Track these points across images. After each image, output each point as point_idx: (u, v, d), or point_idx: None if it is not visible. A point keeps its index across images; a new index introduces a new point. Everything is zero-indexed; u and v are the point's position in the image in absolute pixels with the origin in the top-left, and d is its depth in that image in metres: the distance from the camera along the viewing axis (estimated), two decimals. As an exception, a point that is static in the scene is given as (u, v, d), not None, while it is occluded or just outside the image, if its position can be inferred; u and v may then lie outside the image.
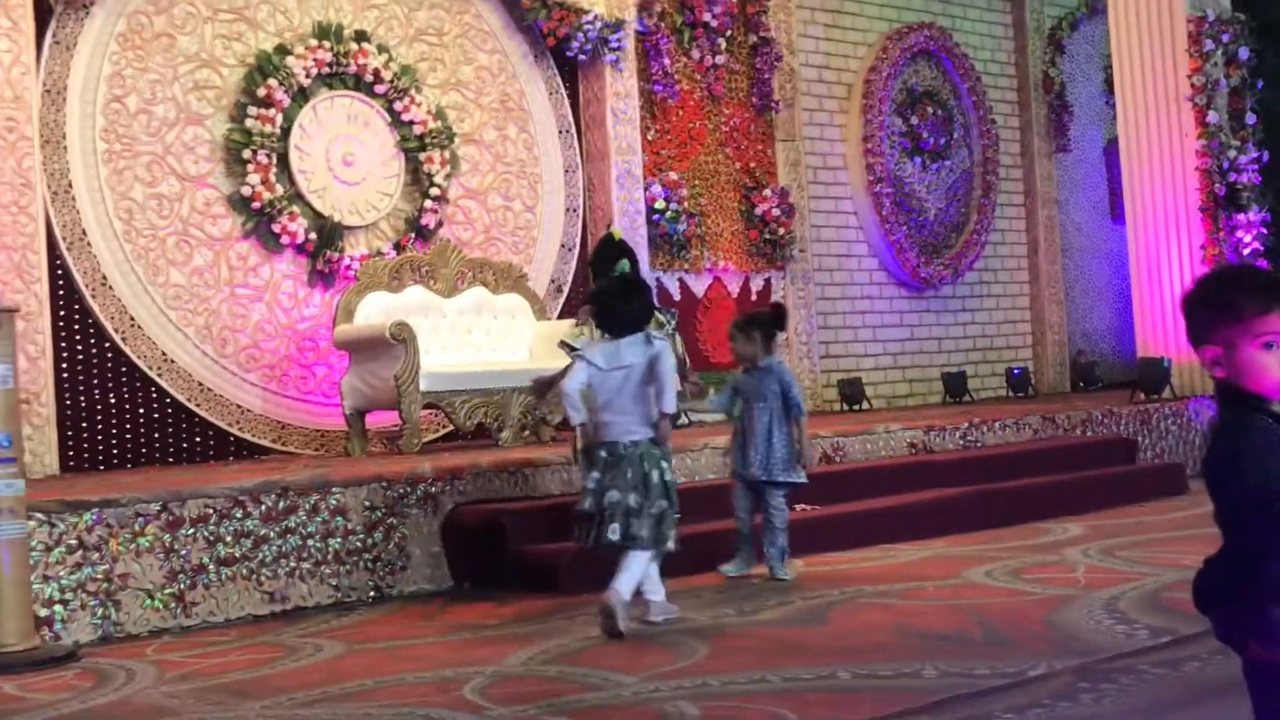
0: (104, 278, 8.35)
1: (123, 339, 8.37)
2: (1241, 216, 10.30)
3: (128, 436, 8.41)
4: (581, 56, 10.25)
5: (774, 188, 11.18)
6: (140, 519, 5.16)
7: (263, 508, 5.46)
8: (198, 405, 8.61)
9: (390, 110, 9.45)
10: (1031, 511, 7.00)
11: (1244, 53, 10.49)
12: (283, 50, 9.05)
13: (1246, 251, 10.31)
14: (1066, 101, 13.22)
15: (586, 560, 5.61)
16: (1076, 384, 13.06)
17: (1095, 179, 13.68)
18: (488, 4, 10.05)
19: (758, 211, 11.09)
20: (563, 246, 10.29)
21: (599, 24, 10.15)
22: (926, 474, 7.26)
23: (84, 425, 8.24)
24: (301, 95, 9.09)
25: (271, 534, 5.47)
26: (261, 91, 8.88)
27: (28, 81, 7.98)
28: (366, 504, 5.74)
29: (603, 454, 4.86)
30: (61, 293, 8.22)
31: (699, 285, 10.85)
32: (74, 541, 5.00)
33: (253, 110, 8.85)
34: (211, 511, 5.33)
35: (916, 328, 12.28)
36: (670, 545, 4.89)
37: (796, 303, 11.36)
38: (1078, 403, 10.02)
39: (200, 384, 8.63)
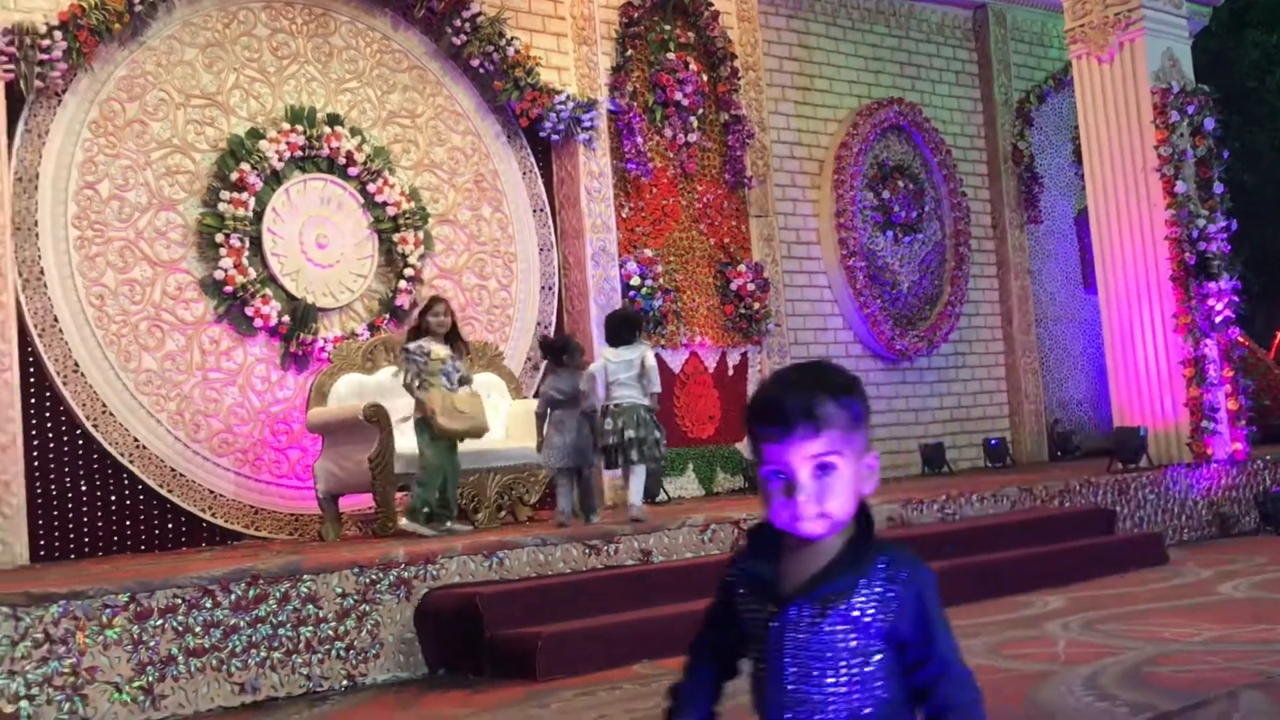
0: (75, 364, 8.30)
1: (94, 425, 8.31)
2: (1212, 285, 10.35)
3: (99, 524, 8.32)
4: (554, 136, 10.31)
5: (748, 263, 11.21)
6: (108, 610, 5.08)
7: (232, 596, 5.38)
8: (170, 491, 8.53)
9: (363, 192, 9.47)
10: (1011, 584, 6.95)
11: (1209, 123, 10.61)
12: (255, 134, 9.08)
13: (1219, 319, 10.36)
14: (1036, 173, 13.34)
15: (562, 643, 5.55)
16: (1054, 453, 13.06)
17: (1067, 249, 13.77)
18: (460, 86, 10.11)
19: (733, 287, 11.10)
20: (539, 325, 10.28)
21: (571, 104, 10.22)
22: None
23: (55, 513, 8.16)
24: (274, 179, 9.11)
25: (242, 623, 5.39)
26: (234, 175, 8.90)
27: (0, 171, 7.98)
28: (338, 590, 5.67)
29: (617, 411, 7.22)
30: (33, 380, 8.16)
31: (675, 361, 10.84)
32: (40, 635, 4.92)
33: (225, 194, 8.86)
34: (180, 601, 5.25)
35: (893, 399, 12.28)
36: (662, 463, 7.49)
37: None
38: (1055, 472, 10.01)
39: (172, 469, 8.56)
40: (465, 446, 8.23)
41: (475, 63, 9.97)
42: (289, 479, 8.95)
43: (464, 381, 7.66)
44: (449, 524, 7.61)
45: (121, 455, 8.38)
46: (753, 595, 2.00)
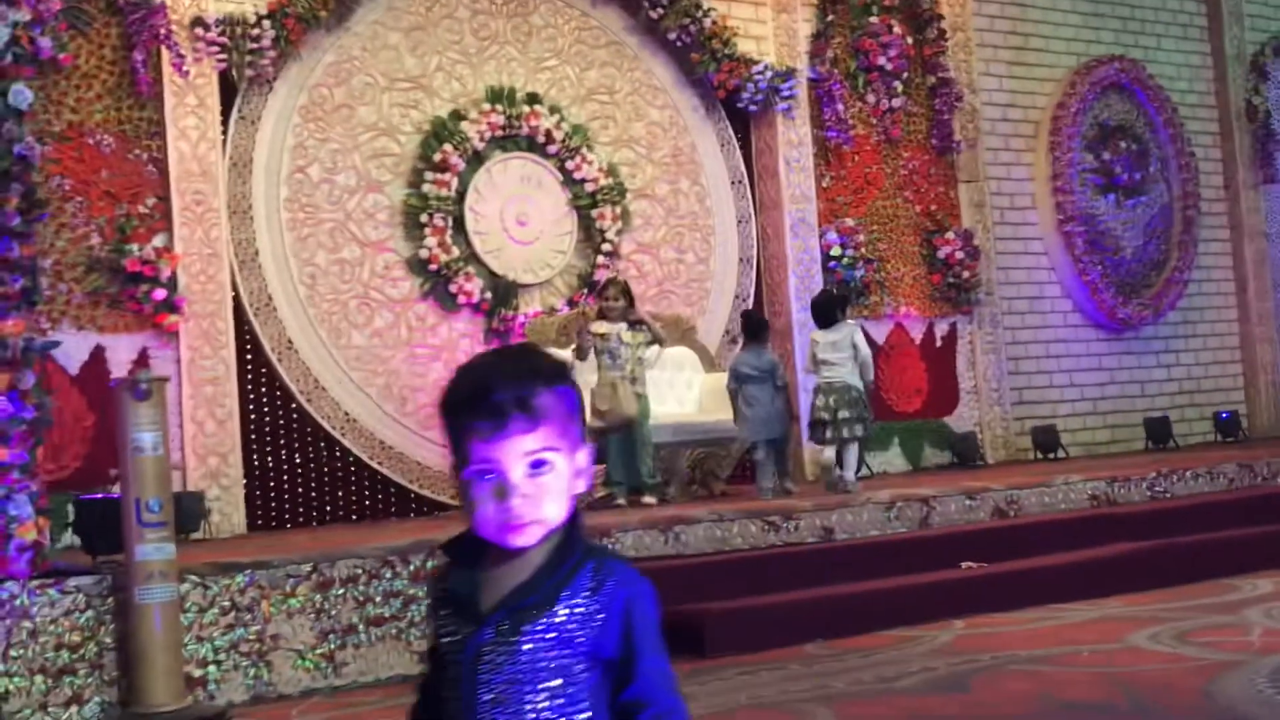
0: (289, 341, 8.63)
1: (308, 400, 8.63)
2: None
3: (313, 495, 8.65)
4: (752, 107, 10.20)
5: (957, 230, 10.90)
6: (291, 580, 5.28)
7: (411, 567, 5.52)
8: (380, 463, 8.80)
9: (562, 169, 9.56)
10: (1220, 567, 6.58)
11: None
12: (457, 116, 9.25)
13: None
14: (1272, 130, 12.54)
15: (732, 621, 5.51)
16: (1293, 427, 12.31)
17: (1309, 209, 12.93)
18: (657, 60, 10.09)
19: (940, 255, 10.81)
20: (736, 298, 10.21)
21: (769, 74, 10.09)
22: (1107, 528, 6.91)
23: (271, 485, 8.52)
24: (476, 159, 9.27)
25: (420, 593, 5.52)
26: (437, 157, 9.09)
27: (214, 156, 8.32)
28: (514, 564, 5.75)
29: (829, 389, 7.55)
30: (249, 357, 8.53)
31: (879, 332, 10.61)
32: (227, 603, 5.14)
33: (429, 175, 9.06)
34: (361, 571, 5.42)
35: (1116, 371, 11.77)
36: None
37: (985, 348, 11.02)
38: (1288, 448, 9.43)
39: (381, 442, 8.83)
40: (656, 420, 8.27)
41: (672, 35, 9.93)
42: (492, 452, 9.13)
43: (639, 359, 7.80)
44: (645, 496, 7.75)
45: (334, 429, 8.69)
46: (453, 616, 1.76)
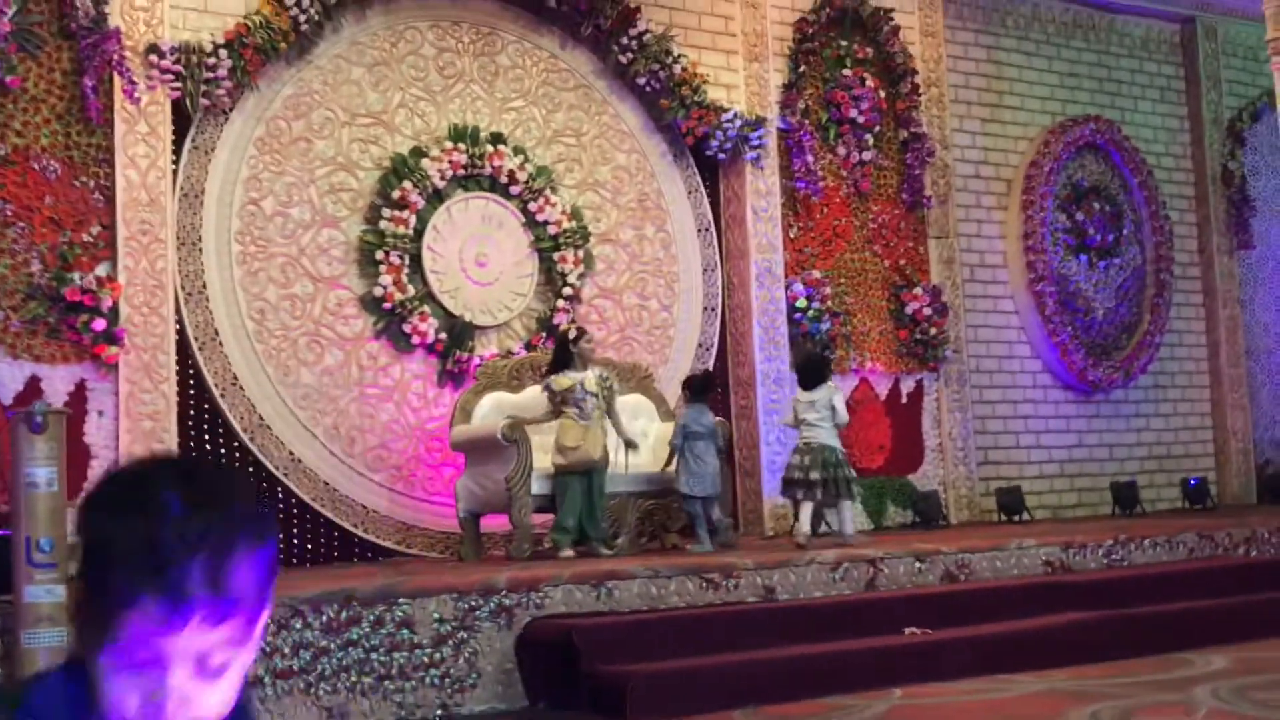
0: (235, 377, 8.37)
1: (251, 438, 8.36)
2: None
3: (253, 535, 8.34)
4: (721, 155, 10.00)
5: (925, 285, 10.68)
6: (194, 628, 4.99)
7: (324, 618, 5.24)
8: (323, 506, 8.52)
9: (525, 211, 9.34)
10: (1174, 641, 6.30)
11: None
12: (419, 153, 9.04)
13: None
14: (1248, 196, 12.36)
15: (658, 684, 5.23)
16: (1263, 496, 12.05)
17: (1282, 277, 12.75)
18: (626, 104, 9.90)
19: (908, 310, 10.58)
20: (700, 346, 9.98)
21: (739, 122, 9.90)
22: (1060, 596, 6.64)
23: (209, 524, 8.22)
24: (436, 197, 9.05)
25: (332, 646, 5.24)
26: (396, 194, 8.87)
27: (163, 185, 8.09)
28: (436, 616, 5.47)
29: (806, 449, 7.73)
30: (192, 393, 8.26)
31: (845, 386, 10.31)
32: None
33: (387, 212, 8.84)
34: (269, 622, 5.13)
35: (1084, 433, 11.52)
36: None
37: (951, 405, 10.78)
38: (1257, 519, 9.15)
39: (327, 484, 8.55)
40: (613, 471, 8.00)
41: (641, 81, 9.75)
42: (442, 496, 8.83)
43: (596, 404, 7.62)
44: (598, 548, 7.52)
45: (277, 469, 8.41)
46: None
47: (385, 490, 8.73)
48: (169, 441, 7.96)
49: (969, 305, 11.03)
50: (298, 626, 5.20)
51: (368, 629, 5.33)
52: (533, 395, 8.30)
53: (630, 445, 7.79)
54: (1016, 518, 10.45)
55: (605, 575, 5.91)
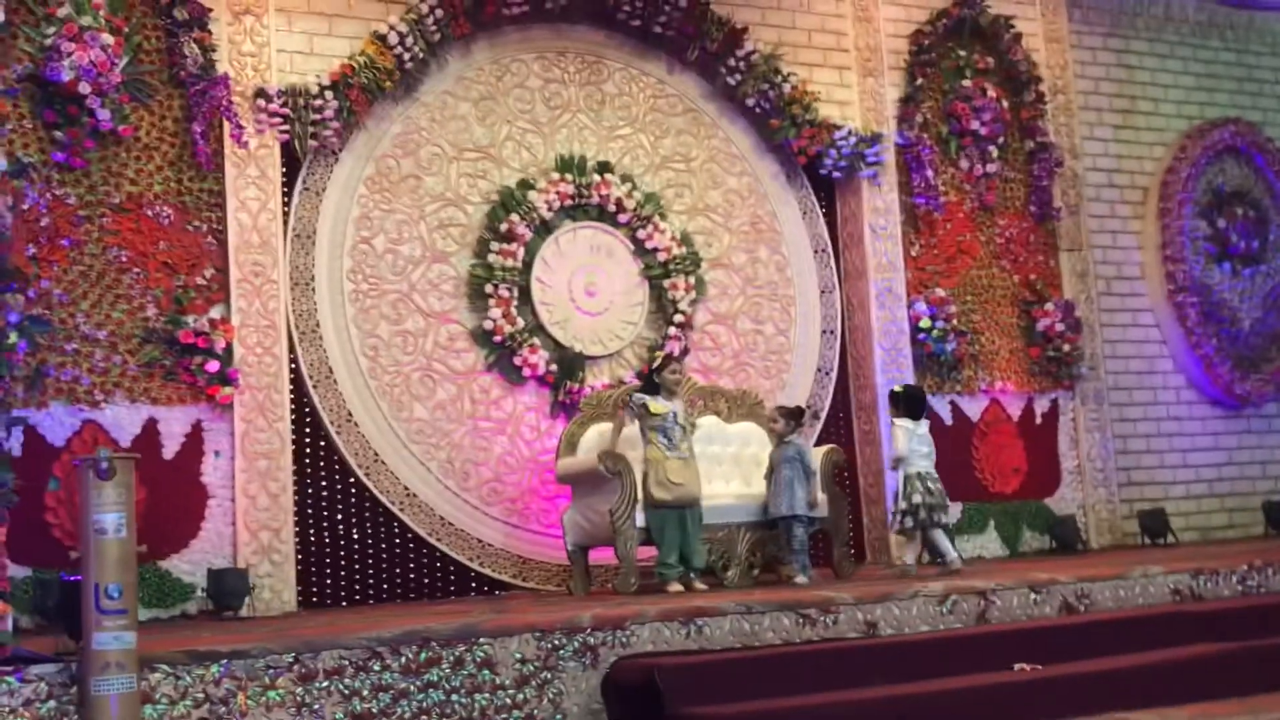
0: (349, 414, 8.37)
1: (366, 474, 8.35)
2: None
3: (369, 572, 8.34)
4: (836, 173, 9.73)
5: (1057, 301, 10.25)
6: (271, 671, 4.93)
7: (403, 660, 5.13)
8: (439, 540, 8.47)
9: (634, 239, 9.20)
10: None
11: None
12: (526, 185, 8.97)
13: None
14: (1402, 196, 11.61)
15: (741, 727, 5.00)
16: None
17: None
18: (736, 127, 9.70)
19: (1039, 327, 10.17)
20: (819, 370, 9.70)
21: (853, 139, 9.62)
22: (1187, 627, 6.19)
23: (326, 562, 8.23)
24: (544, 228, 8.97)
25: (412, 688, 5.13)
26: (504, 226, 8.81)
27: (274, 227, 8.15)
28: (518, 656, 5.32)
29: (921, 478, 7.74)
30: (307, 431, 8.29)
31: (974, 408, 9.98)
32: (200, 695, 4.81)
33: (495, 245, 8.78)
34: (347, 664, 5.04)
35: (1234, 450, 10.92)
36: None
37: (1089, 425, 10.31)
38: None
39: (442, 518, 8.49)
40: (714, 500, 7.79)
41: (751, 102, 9.54)
42: (557, 529, 8.69)
43: (684, 437, 7.40)
44: (695, 582, 7.35)
45: (392, 503, 8.39)
46: None
47: (500, 524, 8.64)
48: (284, 480, 7.99)
49: (1105, 320, 10.57)
50: (376, 668, 5.10)
51: (448, 670, 5.20)
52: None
53: None
54: (1160, 541, 9.92)
55: (695, 612, 5.69)
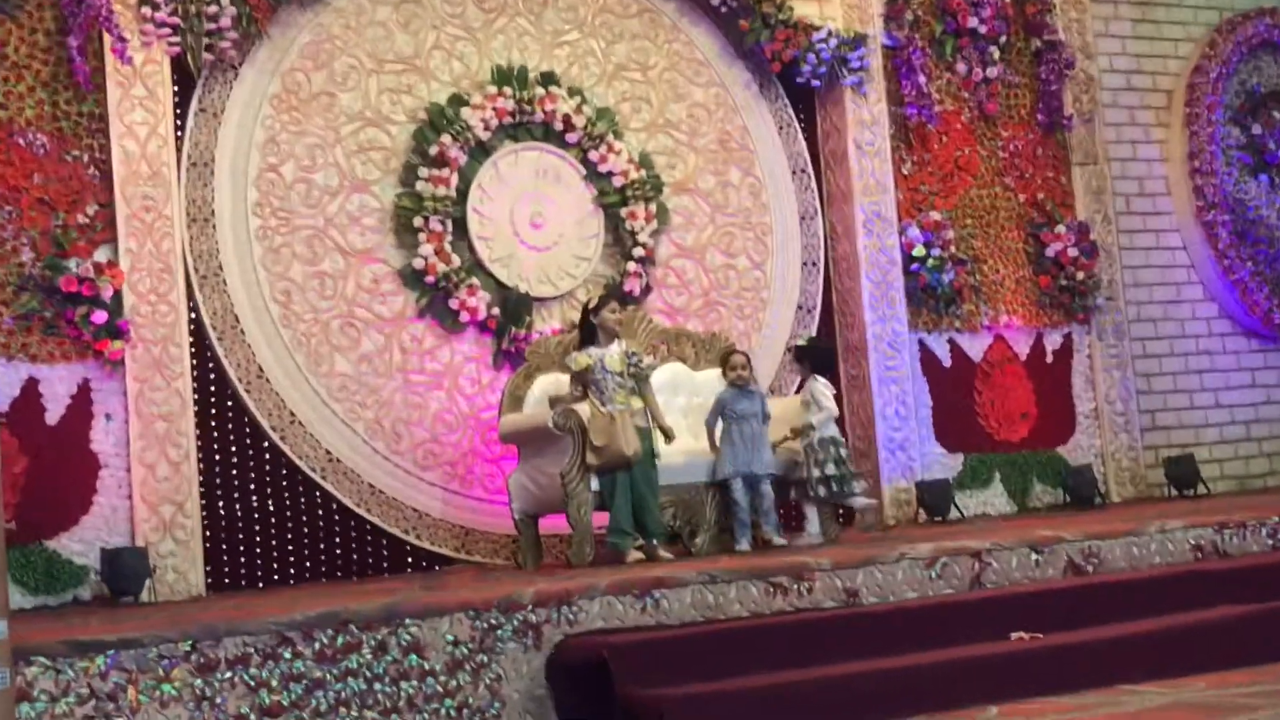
0: (259, 369, 8.40)
1: (281, 437, 8.40)
2: None
3: (289, 549, 8.40)
4: (815, 82, 9.78)
5: (1070, 223, 10.36)
6: (165, 662, 4.98)
7: (316, 646, 5.19)
8: (368, 510, 8.53)
9: (585, 161, 9.22)
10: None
11: None
12: (458, 101, 8.97)
13: None
14: None
15: (698, 709, 5.09)
16: None
17: None
18: (700, 29, 9.72)
19: (1049, 253, 10.29)
20: (800, 308, 9.78)
21: (834, 42, 9.66)
22: (1207, 588, 6.30)
23: (238, 538, 8.27)
24: (480, 151, 8.98)
25: (328, 677, 5.20)
26: (434, 150, 8.82)
27: (166, 155, 8.13)
28: (449, 638, 5.39)
29: (837, 443, 7.85)
30: (211, 389, 8.32)
31: (975, 346, 10.09)
32: (84, 690, 4.87)
33: (424, 172, 8.79)
34: (253, 652, 5.10)
35: (1274, 388, 11.09)
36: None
37: (1107, 363, 10.44)
38: None
39: (370, 486, 8.55)
40: (679, 458, 7.86)
41: (716, 1, 9.55)
42: (503, 495, 8.76)
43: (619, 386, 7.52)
44: (656, 549, 7.44)
45: (312, 470, 8.44)
46: None
47: (438, 490, 8.71)
48: (186, 446, 8.03)
49: (1125, 243, 10.71)
50: (287, 656, 5.16)
51: (369, 656, 5.27)
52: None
53: (666, 436, 7.61)
54: (1189, 492, 10.07)
55: (652, 583, 5.76)
